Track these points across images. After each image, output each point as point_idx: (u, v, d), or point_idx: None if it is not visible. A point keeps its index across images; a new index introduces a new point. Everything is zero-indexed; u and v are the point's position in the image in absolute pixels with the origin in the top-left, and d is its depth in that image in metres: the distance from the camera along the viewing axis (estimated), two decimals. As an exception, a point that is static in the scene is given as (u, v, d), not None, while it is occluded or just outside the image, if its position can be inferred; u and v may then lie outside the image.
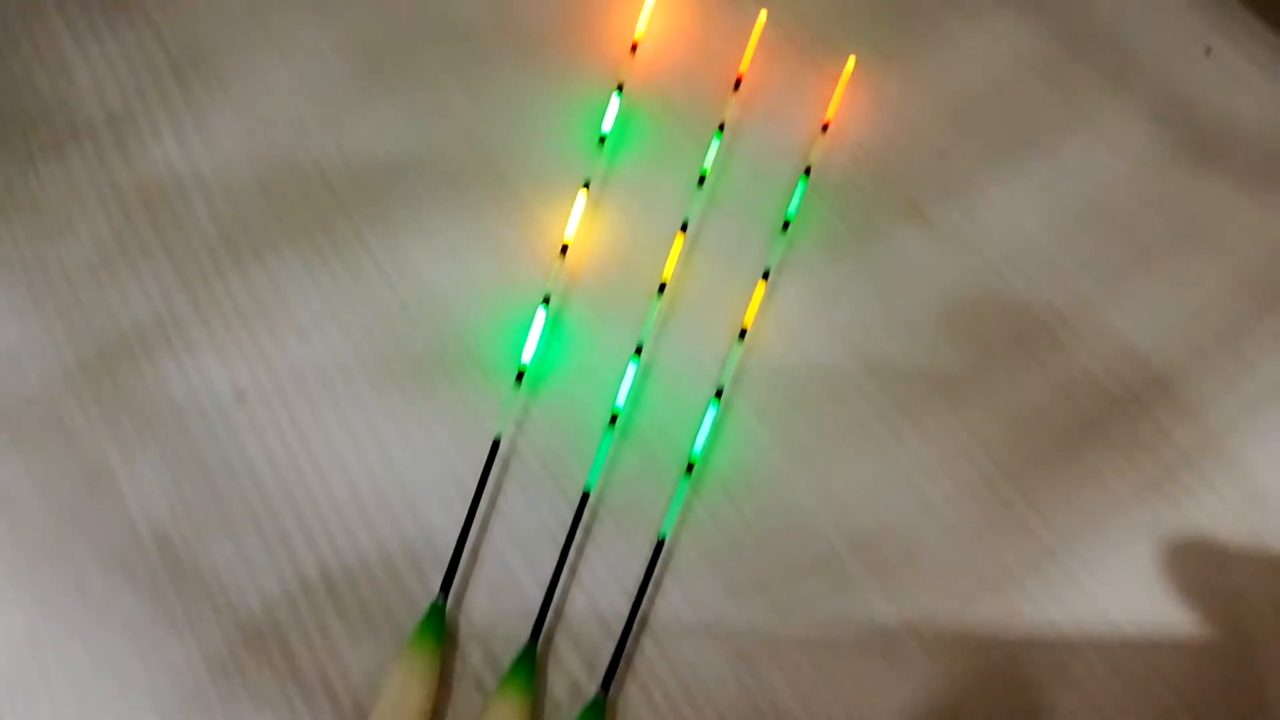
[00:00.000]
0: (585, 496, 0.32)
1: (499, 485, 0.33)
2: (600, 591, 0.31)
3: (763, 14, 0.41)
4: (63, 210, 0.38)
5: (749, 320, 0.35)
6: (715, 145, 0.38)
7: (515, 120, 0.40)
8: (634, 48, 0.40)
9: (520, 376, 0.33)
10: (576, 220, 0.36)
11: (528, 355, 0.34)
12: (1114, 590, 0.32)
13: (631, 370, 0.34)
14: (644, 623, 0.31)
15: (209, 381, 0.35)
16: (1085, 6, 0.44)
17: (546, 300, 0.35)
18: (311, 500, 0.33)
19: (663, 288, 0.36)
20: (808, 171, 0.38)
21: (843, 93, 0.40)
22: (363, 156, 0.39)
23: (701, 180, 0.38)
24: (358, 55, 0.41)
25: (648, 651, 0.31)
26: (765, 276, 0.36)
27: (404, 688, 0.28)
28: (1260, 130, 0.41)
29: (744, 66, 0.40)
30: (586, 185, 0.37)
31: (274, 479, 0.33)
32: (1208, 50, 0.43)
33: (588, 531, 0.32)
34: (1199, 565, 0.33)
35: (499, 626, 0.31)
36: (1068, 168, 0.40)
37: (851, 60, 0.41)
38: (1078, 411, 0.35)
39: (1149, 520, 0.33)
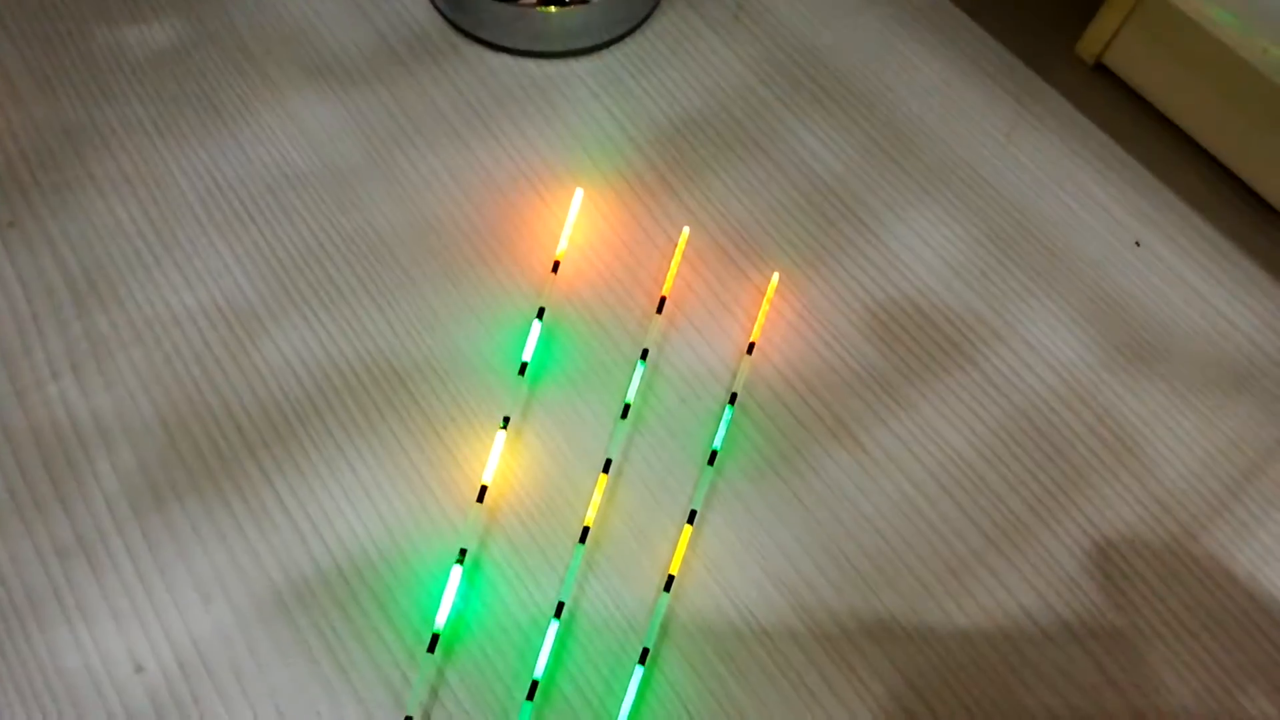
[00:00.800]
0: (504, 780, 0.32)
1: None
2: None
3: (685, 230, 0.44)
4: (-49, 457, 0.38)
5: (675, 567, 0.37)
6: (639, 373, 0.40)
7: (434, 346, 0.41)
8: (555, 266, 0.42)
9: (433, 643, 0.34)
10: (495, 462, 0.38)
11: (441, 619, 0.35)
12: None
13: (552, 631, 0.35)
14: None
15: (105, 651, 0.35)
16: (1012, 203, 0.47)
17: (462, 555, 0.36)
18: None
19: (585, 534, 0.37)
20: (734, 399, 0.40)
21: (768, 308, 0.42)
22: (272, 390, 0.40)
23: (625, 412, 0.39)
24: (269, 277, 0.42)
25: None
26: (691, 520, 0.38)
27: None
28: (1190, 329, 0.44)
29: (667, 287, 0.42)
30: (505, 424, 0.39)
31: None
32: (1137, 244, 0.46)
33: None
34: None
35: None
36: (998, 380, 0.42)
37: (775, 277, 0.43)
38: (1015, 650, 0.37)
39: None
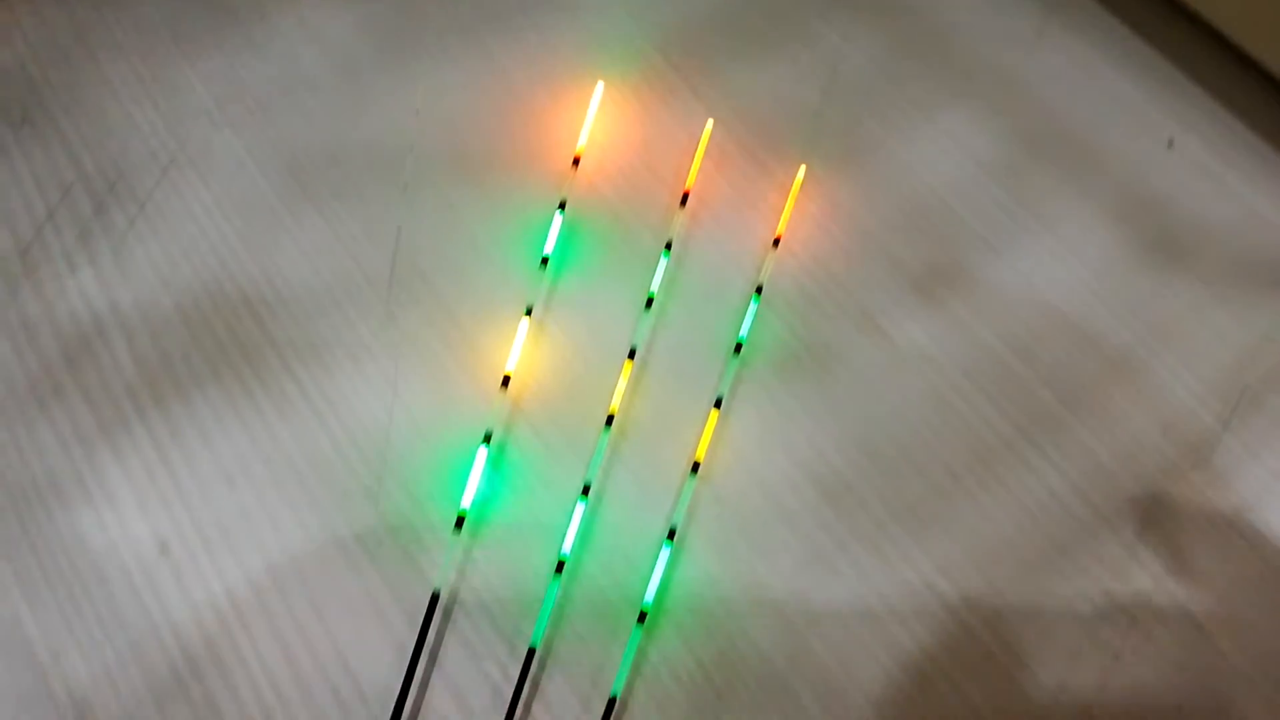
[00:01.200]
0: (531, 653, 0.34)
1: (440, 640, 0.35)
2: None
3: (710, 122, 0.45)
4: (-30, 349, 0.40)
5: (701, 453, 0.38)
6: (663, 264, 0.41)
7: (454, 240, 0.42)
8: (576, 161, 0.43)
9: (460, 522, 0.36)
10: (519, 350, 0.39)
11: (468, 499, 0.36)
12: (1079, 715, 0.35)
13: (579, 512, 0.36)
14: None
15: (130, 533, 0.36)
16: (1042, 104, 0.47)
17: (488, 438, 0.37)
18: (241, 662, 0.34)
19: (610, 420, 0.38)
20: (759, 290, 0.41)
21: (794, 203, 0.43)
22: (291, 282, 0.41)
23: (649, 303, 0.40)
24: (285, 173, 0.44)
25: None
26: (718, 405, 0.39)
27: None
28: (1225, 226, 0.45)
29: (691, 181, 0.43)
30: (529, 312, 0.40)
31: (200, 638, 0.35)
32: (1170, 143, 0.47)
33: (535, 687, 0.34)
34: (1167, 687, 0.35)
35: None
36: (1028, 274, 0.43)
37: (802, 170, 0.44)
38: (1046, 536, 0.38)
39: (1117, 644, 0.36)
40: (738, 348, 0.40)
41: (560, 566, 0.35)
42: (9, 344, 0.40)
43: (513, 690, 0.33)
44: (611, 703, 0.33)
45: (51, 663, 0.34)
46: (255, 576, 0.36)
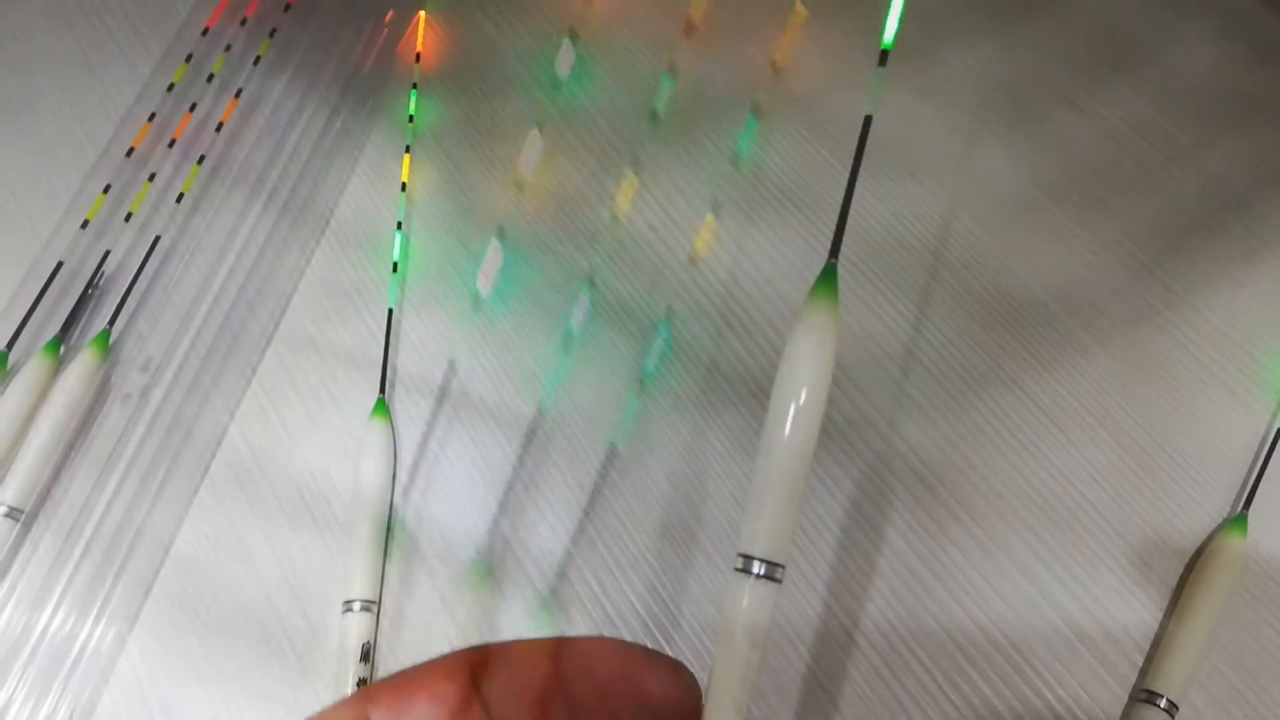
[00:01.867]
0: (539, 413, 0.37)
1: (456, 410, 0.38)
2: (555, 496, 0.37)
3: (713, -37, 0.48)
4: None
5: (699, 246, 0.41)
6: (667, 87, 0.44)
7: (470, 62, 0.46)
8: (588, -3, 0.47)
9: (475, 302, 0.39)
10: (531, 160, 0.42)
11: (484, 286, 0.40)
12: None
13: (584, 297, 0.40)
14: (590, 515, 0.36)
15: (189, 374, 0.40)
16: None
17: (502, 233, 0.41)
18: (278, 464, 0.38)
19: (614, 220, 0.41)
20: (756, 111, 0.44)
21: (792, 38, 0.46)
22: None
23: (653, 117, 0.44)
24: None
25: (601, 551, 0.36)
26: (715, 211, 0.42)
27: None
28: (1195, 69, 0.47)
29: (695, 11, 0.46)
30: (540, 127, 0.43)
31: (245, 448, 0.39)
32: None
33: (545, 449, 0.38)
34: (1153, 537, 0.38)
35: (459, 528, 0.36)
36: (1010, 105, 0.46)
37: (800, 9, 0.47)
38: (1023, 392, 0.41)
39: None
40: (735, 162, 0.43)
41: (566, 342, 0.38)
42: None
43: (521, 445, 0.37)
44: (612, 449, 0.37)
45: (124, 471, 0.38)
46: (290, 370, 0.40)
